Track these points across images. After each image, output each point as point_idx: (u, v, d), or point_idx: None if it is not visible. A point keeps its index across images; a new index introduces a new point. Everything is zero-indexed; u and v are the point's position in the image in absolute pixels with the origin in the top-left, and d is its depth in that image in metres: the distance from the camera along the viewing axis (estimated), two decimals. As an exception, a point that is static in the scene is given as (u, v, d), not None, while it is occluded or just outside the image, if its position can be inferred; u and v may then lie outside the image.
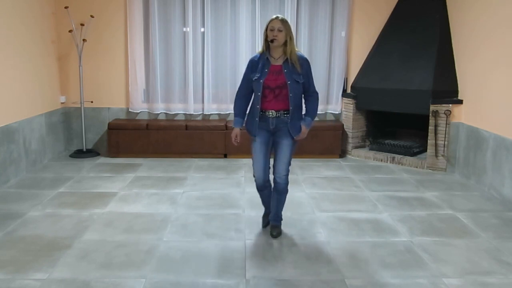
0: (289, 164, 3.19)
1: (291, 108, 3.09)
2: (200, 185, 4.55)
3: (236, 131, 3.23)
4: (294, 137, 3.14)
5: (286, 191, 3.24)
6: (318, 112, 5.89)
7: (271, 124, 3.13)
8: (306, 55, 5.74)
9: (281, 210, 3.33)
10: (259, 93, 3.08)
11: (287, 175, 3.18)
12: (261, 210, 3.55)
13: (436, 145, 5.12)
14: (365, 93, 5.62)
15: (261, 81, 3.06)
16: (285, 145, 3.14)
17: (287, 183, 3.20)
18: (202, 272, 2.75)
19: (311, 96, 3.22)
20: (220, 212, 3.77)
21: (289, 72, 3.06)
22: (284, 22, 3.06)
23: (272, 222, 3.35)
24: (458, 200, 4.15)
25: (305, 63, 3.11)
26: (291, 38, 3.09)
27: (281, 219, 3.36)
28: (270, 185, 3.29)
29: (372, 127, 6.02)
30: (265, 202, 3.41)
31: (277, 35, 3.03)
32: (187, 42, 5.77)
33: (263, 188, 3.27)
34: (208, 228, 3.43)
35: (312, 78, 3.19)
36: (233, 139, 3.27)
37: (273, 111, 3.10)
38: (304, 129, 3.15)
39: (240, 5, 5.71)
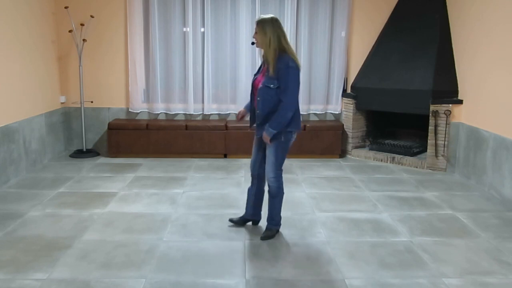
0: (276, 167, 3.15)
1: (257, 111, 3.13)
2: (200, 185, 4.55)
3: (241, 109, 3.41)
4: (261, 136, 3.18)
5: (277, 195, 3.23)
6: (318, 112, 6.03)
7: (257, 121, 3.19)
8: (306, 55, 5.84)
9: (275, 213, 3.29)
10: (251, 92, 3.24)
11: (275, 178, 3.16)
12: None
13: (436, 145, 5.12)
14: (365, 93, 5.62)
15: (252, 80, 3.23)
16: (268, 147, 3.15)
17: (276, 186, 3.19)
18: (202, 272, 2.75)
19: (279, 105, 3.02)
20: (220, 212, 3.77)
21: (267, 76, 3.04)
22: (259, 23, 3.02)
23: (267, 224, 3.33)
24: (458, 200, 4.15)
25: (283, 69, 2.96)
26: (270, 39, 2.96)
27: (276, 224, 3.31)
28: (257, 185, 3.36)
29: (372, 127, 6.02)
30: (247, 201, 3.45)
31: (255, 37, 3.08)
32: (187, 42, 5.77)
33: (251, 184, 3.39)
34: (208, 228, 3.43)
35: (289, 87, 2.98)
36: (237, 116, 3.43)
37: (258, 110, 3.14)
38: (264, 135, 3.08)
39: (240, 5, 5.71)
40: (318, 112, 6.06)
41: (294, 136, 3.20)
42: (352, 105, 5.76)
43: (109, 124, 5.63)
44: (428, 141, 5.18)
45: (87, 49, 5.73)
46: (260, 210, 3.47)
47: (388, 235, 3.34)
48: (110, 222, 3.53)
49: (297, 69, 3.01)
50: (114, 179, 4.69)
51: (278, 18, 3.08)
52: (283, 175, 3.26)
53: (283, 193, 3.28)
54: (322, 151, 5.71)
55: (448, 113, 5.03)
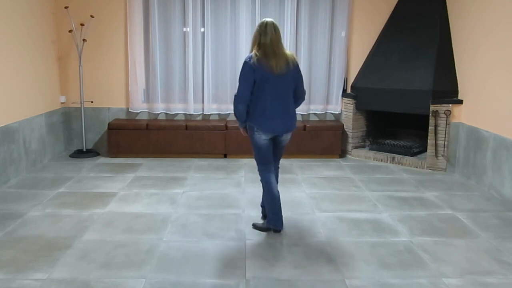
0: (255, 159, 3.39)
1: None
2: (200, 185, 4.55)
3: None
4: None
5: (262, 188, 3.39)
6: (318, 112, 6.04)
7: None
8: (306, 55, 5.85)
9: (266, 209, 3.42)
10: None
11: (257, 171, 3.41)
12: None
13: (436, 145, 5.12)
14: (365, 93, 5.62)
15: None
16: None
17: (260, 178, 3.39)
18: (202, 272, 2.75)
19: None
20: (220, 212, 3.78)
21: None
22: None
23: None
24: (458, 200, 4.15)
25: None
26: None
27: (268, 222, 3.36)
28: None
29: (372, 127, 6.03)
30: None
31: None
32: (187, 42, 5.77)
33: None
34: (208, 228, 3.43)
35: (239, 80, 3.22)
36: None
37: None
38: None
39: (240, 5, 5.71)
40: (318, 112, 6.06)
41: (258, 134, 3.24)
42: (352, 105, 5.76)
43: (109, 124, 5.63)
44: (428, 141, 5.18)
45: (87, 49, 5.73)
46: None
47: (388, 235, 3.34)
48: (110, 222, 3.53)
49: (245, 64, 3.13)
50: (114, 179, 4.69)
51: (266, 21, 3.17)
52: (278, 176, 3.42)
53: (266, 190, 3.33)
54: (322, 151, 5.71)
55: (448, 113, 5.03)
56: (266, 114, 3.18)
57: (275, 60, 3.12)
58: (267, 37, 3.12)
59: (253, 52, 3.17)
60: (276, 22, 3.20)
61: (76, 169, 5.06)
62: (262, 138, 3.25)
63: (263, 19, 3.21)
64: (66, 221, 3.54)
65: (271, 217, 3.33)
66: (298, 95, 3.33)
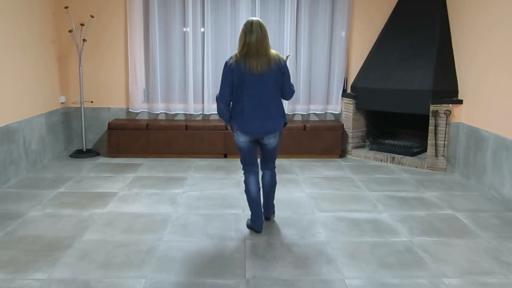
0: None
1: None
2: (200, 185, 4.55)
3: None
4: None
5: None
6: (318, 112, 6.04)
7: None
8: (306, 55, 5.86)
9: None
10: None
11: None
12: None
13: (436, 145, 5.12)
14: (365, 93, 5.62)
15: None
16: None
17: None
18: (202, 272, 2.75)
19: None
20: (220, 212, 3.78)
21: None
22: None
23: None
24: (458, 200, 4.15)
25: None
26: None
27: (250, 219, 3.43)
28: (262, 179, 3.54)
29: (372, 127, 6.03)
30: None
31: None
32: (187, 42, 5.77)
33: None
34: (208, 228, 3.43)
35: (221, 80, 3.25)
36: None
37: None
38: None
39: (240, 5, 5.71)
40: (318, 112, 6.06)
41: (237, 135, 3.26)
42: (352, 105, 5.76)
43: (109, 124, 5.63)
44: (428, 141, 5.18)
45: (87, 49, 5.73)
46: (266, 205, 3.56)
47: (388, 235, 3.34)
48: (110, 222, 3.53)
49: (225, 65, 3.16)
50: (114, 179, 4.69)
51: (252, 20, 3.11)
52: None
53: (245, 191, 3.40)
54: (322, 151, 5.71)
55: (448, 113, 5.03)
56: (244, 116, 3.16)
57: (255, 60, 3.05)
58: (252, 36, 3.05)
59: (235, 52, 3.14)
60: (262, 21, 3.12)
61: (76, 169, 5.06)
62: (241, 139, 3.24)
63: (249, 18, 3.15)
64: (66, 221, 3.54)
65: (251, 217, 3.37)
66: (285, 92, 3.25)
